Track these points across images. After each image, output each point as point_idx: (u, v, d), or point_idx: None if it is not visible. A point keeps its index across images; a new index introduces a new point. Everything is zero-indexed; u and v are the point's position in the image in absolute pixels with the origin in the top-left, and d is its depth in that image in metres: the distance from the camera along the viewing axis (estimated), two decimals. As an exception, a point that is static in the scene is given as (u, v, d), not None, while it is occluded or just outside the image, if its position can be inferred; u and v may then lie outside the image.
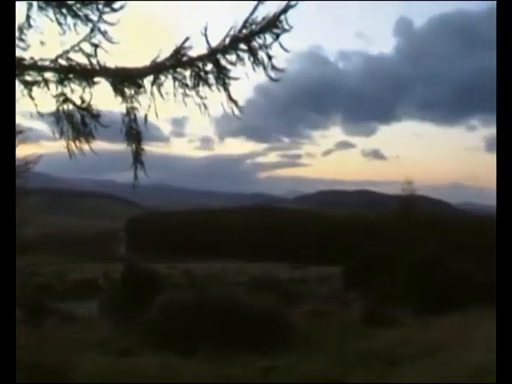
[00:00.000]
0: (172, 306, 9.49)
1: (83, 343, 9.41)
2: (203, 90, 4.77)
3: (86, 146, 4.73)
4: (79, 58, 4.12)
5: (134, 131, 5.00)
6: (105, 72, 4.47)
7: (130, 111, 4.94)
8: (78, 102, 4.37)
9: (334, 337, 9.74)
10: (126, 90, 4.69)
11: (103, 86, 4.48)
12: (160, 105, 4.50)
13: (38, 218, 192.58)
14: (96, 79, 4.48)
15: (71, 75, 4.29)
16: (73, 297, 23.92)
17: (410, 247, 15.23)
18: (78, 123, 4.71)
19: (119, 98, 4.79)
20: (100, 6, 3.98)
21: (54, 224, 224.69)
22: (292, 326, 10.12)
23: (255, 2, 3.87)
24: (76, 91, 4.30)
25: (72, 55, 4.07)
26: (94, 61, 4.27)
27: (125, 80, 4.59)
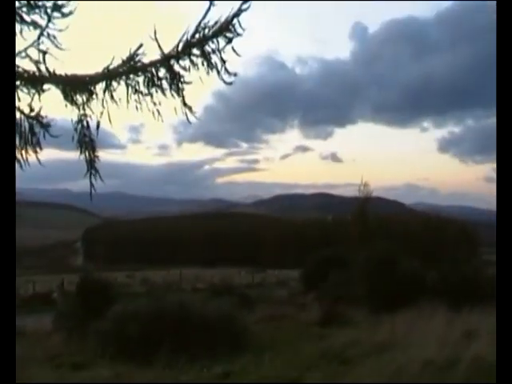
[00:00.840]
0: (127, 315, 9.35)
1: (34, 359, 9.15)
2: (157, 96, 4.75)
3: (33, 157, 4.63)
4: (26, 65, 4.02)
5: (86, 138, 4.92)
6: (54, 79, 4.38)
7: (82, 118, 4.86)
8: (27, 110, 4.27)
9: (291, 339, 9.82)
10: (78, 97, 4.62)
11: (54, 94, 4.39)
12: (116, 112, 4.45)
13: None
14: (45, 86, 4.38)
15: (18, 82, 4.18)
16: (25, 312, 23.19)
17: (365, 248, 15.50)
18: (26, 132, 4.60)
19: (71, 110, 4.71)
20: (48, 11, 3.90)
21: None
22: (248, 330, 10.15)
23: (207, 4, 3.85)
24: (24, 99, 4.20)
25: (19, 62, 3.97)
26: (42, 68, 4.18)
27: (76, 87, 4.51)
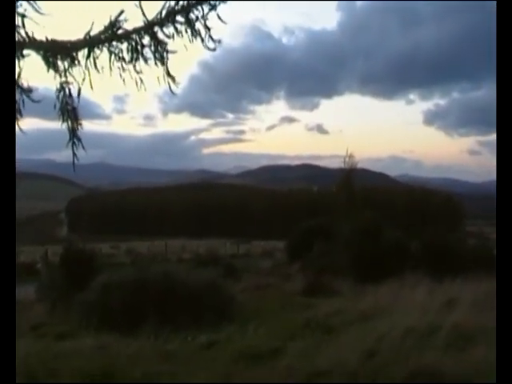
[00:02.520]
0: (111, 285, 9.33)
1: (17, 328, 9.13)
2: (140, 64, 4.60)
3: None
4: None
5: (69, 107, 4.77)
6: (34, 44, 4.24)
7: (64, 86, 4.71)
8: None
9: (275, 309, 9.91)
10: (59, 63, 4.46)
11: (35, 62, 4.24)
12: (100, 81, 4.32)
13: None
14: (25, 52, 4.23)
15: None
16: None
17: (350, 219, 15.59)
18: None
19: (52, 74, 4.55)
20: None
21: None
22: (233, 300, 10.21)
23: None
24: None
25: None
26: (21, 32, 4.03)
27: (57, 53, 4.35)
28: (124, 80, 4.36)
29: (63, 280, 12.03)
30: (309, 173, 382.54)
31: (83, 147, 4.89)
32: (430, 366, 4.96)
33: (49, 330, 8.82)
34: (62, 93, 4.72)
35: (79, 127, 4.97)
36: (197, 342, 7.51)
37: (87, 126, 4.90)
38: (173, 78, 4.48)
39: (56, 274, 12.73)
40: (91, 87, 4.43)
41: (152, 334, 7.79)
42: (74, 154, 4.95)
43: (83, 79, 4.39)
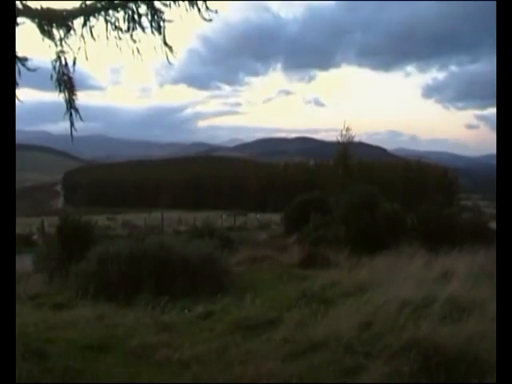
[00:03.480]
0: (108, 256, 9.33)
1: (16, 298, 9.16)
2: (137, 34, 4.51)
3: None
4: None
5: (65, 77, 4.68)
6: (28, 12, 4.16)
7: (60, 55, 4.61)
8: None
9: (271, 280, 9.96)
10: (55, 32, 4.36)
11: (30, 32, 4.15)
12: (96, 52, 4.23)
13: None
14: (20, 20, 4.15)
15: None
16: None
17: (346, 191, 15.58)
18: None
19: (48, 44, 4.46)
20: None
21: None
22: (229, 271, 10.25)
23: None
24: None
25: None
26: (17, 1, 3.97)
27: (53, 21, 4.25)
28: (120, 49, 4.29)
29: (60, 251, 12.01)
30: (305, 146, 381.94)
31: (81, 118, 4.82)
32: (425, 337, 4.99)
33: (46, 300, 8.85)
34: (57, 63, 4.63)
35: (75, 98, 4.89)
36: (193, 313, 7.55)
37: (83, 97, 4.81)
38: (170, 48, 4.41)
39: (53, 245, 12.71)
40: (86, 58, 4.35)
41: (149, 305, 7.83)
42: (72, 125, 4.88)
43: (79, 48, 4.31)
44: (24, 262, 13.63)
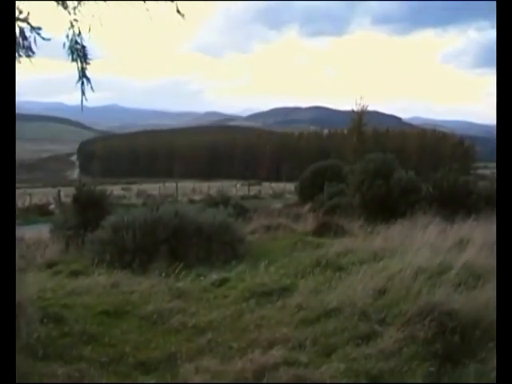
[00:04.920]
0: (123, 224, 9.39)
1: (33, 265, 9.32)
2: (151, 3, 4.45)
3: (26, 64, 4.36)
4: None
5: (78, 45, 4.63)
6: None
7: (74, 24, 4.55)
8: (16, 13, 3.99)
9: (285, 248, 9.96)
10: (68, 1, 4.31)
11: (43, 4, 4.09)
12: (110, 22, 4.17)
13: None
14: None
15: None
16: (23, 222, 23.48)
17: (361, 160, 15.43)
18: (17, 36, 4.31)
19: (62, 17, 4.41)
20: None
21: None
22: (243, 239, 10.28)
23: None
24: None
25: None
26: None
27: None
28: (133, 19, 4.23)
29: (76, 220, 12.14)
30: (319, 115, 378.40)
31: (92, 88, 4.77)
32: (440, 303, 4.98)
33: (63, 268, 8.97)
34: (71, 31, 4.58)
35: (87, 67, 4.83)
36: (208, 280, 7.60)
37: (96, 68, 4.76)
38: (182, 15, 4.33)
39: (69, 214, 12.85)
40: (101, 24, 4.30)
41: (163, 272, 7.90)
42: (83, 93, 4.83)
43: (93, 15, 4.26)
44: (41, 231, 13.87)
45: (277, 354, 4.52)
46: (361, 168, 14.11)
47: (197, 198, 31.80)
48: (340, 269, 7.57)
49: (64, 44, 4.54)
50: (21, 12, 4.05)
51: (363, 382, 4.03)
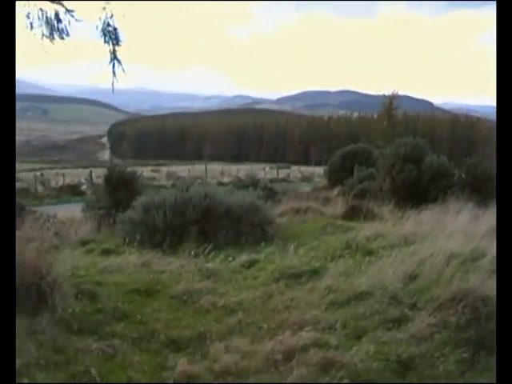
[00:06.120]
0: (153, 205, 9.48)
1: (66, 243, 9.51)
2: None
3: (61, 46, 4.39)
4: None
5: (110, 27, 4.66)
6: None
7: (106, 6, 4.58)
8: None
9: (314, 231, 9.92)
10: None
11: None
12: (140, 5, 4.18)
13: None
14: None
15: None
16: (56, 202, 23.98)
17: (392, 144, 15.19)
18: (52, 19, 4.35)
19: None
20: None
21: (31, 130, 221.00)
22: (273, 221, 10.27)
23: None
24: None
25: None
26: None
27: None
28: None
29: (107, 200, 12.33)
30: (349, 98, 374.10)
31: (123, 70, 4.80)
32: (473, 290, 4.89)
33: (95, 246, 9.13)
34: (104, 13, 4.61)
35: (118, 49, 4.85)
36: (237, 262, 7.63)
37: (126, 49, 4.77)
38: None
39: (100, 194, 13.07)
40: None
41: (193, 253, 7.96)
42: (114, 75, 4.86)
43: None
44: (74, 211, 14.15)
45: (306, 335, 4.52)
46: (391, 152, 13.89)
47: (226, 180, 31.91)
48: (370, 253, 7.52)
49: (97, 27, 4.56)
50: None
51: (393, 365, 4.00)
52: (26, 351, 3.71)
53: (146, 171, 42.62)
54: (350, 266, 6.81)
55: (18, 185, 33.73)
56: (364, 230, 9.06)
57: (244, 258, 7.75)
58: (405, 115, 79.61)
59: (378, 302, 5.26)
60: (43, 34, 4.40)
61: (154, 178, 38.56)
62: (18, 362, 3.48)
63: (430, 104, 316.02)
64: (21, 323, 4.16)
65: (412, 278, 5.95)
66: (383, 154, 14.87)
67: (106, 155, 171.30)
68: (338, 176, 20.58)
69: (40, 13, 4.34)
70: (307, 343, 4.36)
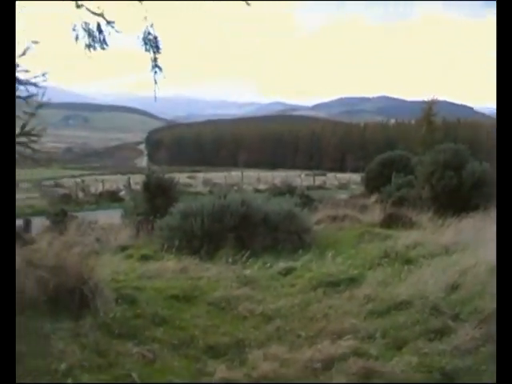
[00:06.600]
0: (191, 211, 9.58)
1: (106, 248, 9.71)
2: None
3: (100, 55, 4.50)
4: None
5: (150, 36, 4.78)
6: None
7: (146, 15, 4.69)
8: (93, 7, 4.15)
9: (352, 239, 9.82)
10: None
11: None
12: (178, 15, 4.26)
13: (55, 132, 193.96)
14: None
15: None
16: (96, 208, 24.51)
17: (431, 151, 14.92)
18: (93, 30, 4.49)
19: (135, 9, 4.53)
20: None
21: (72, 137, 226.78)
22: (310, 229, 10.22)
23: None
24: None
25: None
26: None
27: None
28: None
29: (146, 206, 12.53)
30: (386, 104, 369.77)
31: (164, 77, 4.88)
32: (519, 302, 4.73)
33: (134, 252, 9.28)
34: (144, 23, 4.70)
35: (158, 57, 4.95)
36: (274, 269, 7.62)
37: (164, 57, 4.87)
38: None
39: (139, 200, 13.28)
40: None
41: (230, 260, 8.00)
42: (156, 82, 4.95)
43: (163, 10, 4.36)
44: (112, 217, 14.43)
45: (345, 344, 4.47)
46: (431, 159, 13.64)
47: (262, 187, 31.97)
48: (409, 261, 7.39)
49: (138, 36, 4.67)
50: (98, 7, 4.21)
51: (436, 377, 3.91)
52: (70, 353, 3.79)
53: (182, 178, 43.10)
54: (389, 275, 6.71)
55: (60, 191, 34.78)
56: (403, 239, 8.92)
57: (281, 265, 7.73)
58: (444, 121, 78.10)
59: (419, 311, 5.15)
60: (86, 45, 4.50)
61: (190, 185, 38.97)
62: (63, 363, 3.56)
63: (470, 109, 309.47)
64: (65, 326, 4.27)
65: (454, 288, 5.81)
66: (422, 160, 14.62)
67: (143, 162, 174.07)
68: (376, 183, 20.33)
69: (84, 25, 4.44)
70: (346, 352, 4.31)
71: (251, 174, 56.73)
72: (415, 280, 6.19)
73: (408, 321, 4.98)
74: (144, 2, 4.47)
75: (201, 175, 60.52)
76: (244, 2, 4.47)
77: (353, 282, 6.57)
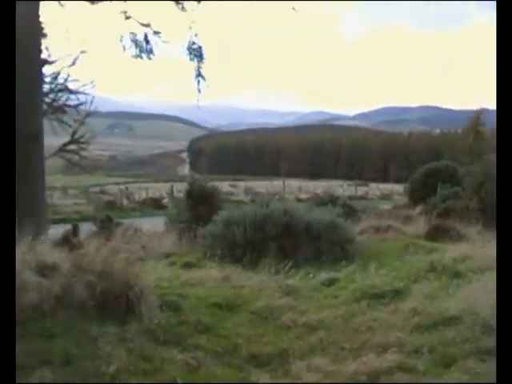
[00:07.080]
0: (233, 220, 9.62)
1: (150, 255, 9.83)
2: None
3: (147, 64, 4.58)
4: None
5: (195, 45, 4.88)
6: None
7: (191, 26, 4.77)
8: (142, 19, 4.25)
9: (396, 251, 9.63)
10: (186, 4, 4.53)
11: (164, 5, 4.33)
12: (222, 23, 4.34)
13: (100, 140, 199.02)
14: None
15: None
16: (140, 215, 24.95)
17: (478, 161, 14.52)
18: (141, 40, 4.60)
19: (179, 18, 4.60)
20: None
21: (116, 146, 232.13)
22: (353, 239, 10.09)
23: None
24: (138, 12, 4.19)
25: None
26: None
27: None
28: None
29: (188, 214, 12.65)
30: (429, 114, 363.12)
31: (207, 86, 4.93)
32: None
33: (177, 259, 9.36)
34: (189, 32, 4.75)
35: (202, 66, 5.00)
36: (317, 279, 7.54)
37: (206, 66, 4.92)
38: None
39: (181, 208, 13.43)
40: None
41: (272, 269, 7.96)
42: (199, 91, 5.02)
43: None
44: (156, 224, 14.64)
45: (391, 358, 4.37)
46: (480, 170, 13.27)
47: (303, 196, 31.83)
48: (457, 275, 7.17)
49: (182, 45, 4.73)
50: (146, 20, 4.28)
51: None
52: (117, 357, 3.85)
53: (224, 186, 43.44)
54: (436, 289, 6.53)
55: (105, 197, 35.60)
56: (450, 251, 8.69)
57: (324, 276, 7.65)
58: (493, 131, 76.19)
59: (469, 328, 4.98)
60: (133, 56, 4.59)
61: (232, 193, 39.21)
62: (112, 366, 3.62)
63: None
64: (112, 330, 4.33)
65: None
66: (471, 171, 14.25)
67: (185, 170, 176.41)
68: (420, 194, 19.94)
69: (131, 36, 4.53)
70: (392, 366, 4.22)
71: (293, 183, 56.62)
72: (464, 295, 5.99)
73: (457, 337, 4.82)
74: (189, 11, 4.51)
75: (242, 184, 60.83)
76: (290, 9, 4.50)
77: (398, 294, 6.42)
